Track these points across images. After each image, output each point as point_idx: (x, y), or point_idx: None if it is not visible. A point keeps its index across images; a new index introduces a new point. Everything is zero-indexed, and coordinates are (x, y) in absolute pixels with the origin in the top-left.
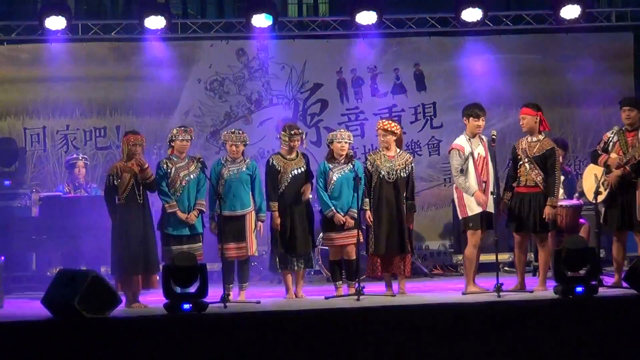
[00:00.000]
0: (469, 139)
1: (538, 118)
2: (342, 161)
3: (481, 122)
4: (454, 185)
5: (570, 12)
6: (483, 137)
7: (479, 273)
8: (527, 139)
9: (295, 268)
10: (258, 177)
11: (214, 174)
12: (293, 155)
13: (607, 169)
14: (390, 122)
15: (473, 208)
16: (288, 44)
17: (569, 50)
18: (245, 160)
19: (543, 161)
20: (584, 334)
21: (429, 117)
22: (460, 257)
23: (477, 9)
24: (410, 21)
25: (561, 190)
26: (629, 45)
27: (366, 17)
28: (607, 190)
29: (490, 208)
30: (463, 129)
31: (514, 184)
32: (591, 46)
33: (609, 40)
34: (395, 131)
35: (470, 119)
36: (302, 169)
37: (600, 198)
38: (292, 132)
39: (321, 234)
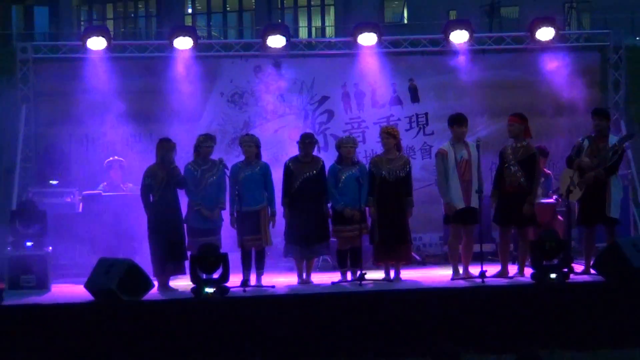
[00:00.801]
0: (453, 144)
1: (523, 126)
2: (350, 163)
3: (464, 129)
4: None
5: (545, 34)
6: (467, 142)
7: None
8: (512, 144)
9: (306, 257)
10: (269, 177)
11: (232, 176)
12: (308, 160)
13: (581, 172)
14: (392, 127)
15: (455, 205)
16: (299, 61)
17: (544, 67)
18: (258, 163)
19: (526, 164)
20: (557, 314)
21: (422, 126)
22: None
23: (463, 31)
24: (406, 42)
25: (540, 190)
26: (596, 62)
27: (367, 39)
28: (582, 190)
29: (474, 204)
30: (451, 136)
31: (500, 184)
32: (563, 64)
33: (579, 58)
34: (396, 135)
35: (455, 126)
36: (315, 172)
37: (576, 197)
38: (307, 141)
39: (330, 227)
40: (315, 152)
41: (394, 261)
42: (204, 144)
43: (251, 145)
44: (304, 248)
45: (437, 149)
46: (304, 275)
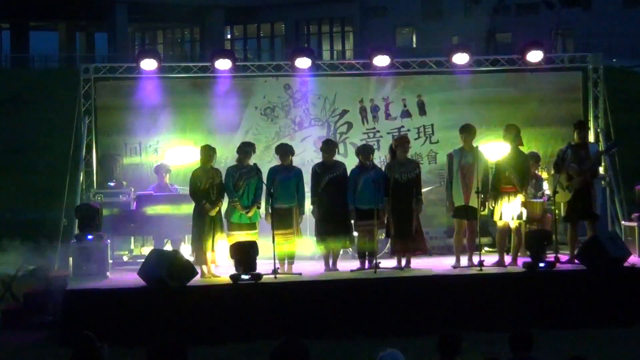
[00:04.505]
0: (461, 150)
1: (516, 136)
2: (368, 167)
3: (468, 137)
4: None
5: (534, 56)
6: (476, 148)
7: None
8: (507, 151)
9: (332, 248)
10: (301, 180)
11: (269, 177)
12: (332, 163)
13: (569, 176)
14: (406, 136)
15: (456, 202)
16: (322, 80)
17: (533, 85)
18: (293, 168)
19: (519, 167)
20: (545, 298)
21: (428, 135)
22: (451, 240)
23: (464, 53)
24: (414, 63)
25: (532, 190)
26: (578, 81)
27: (381, 60)
28: (572, 192)
29: (473, 203)
30: (455, 144)
31: (497, 186)
32: (550, 82)
33: (564, 77)
34: (408, 143)
35: (461, 135)
36: (338, 173)
37: (562, 198)
38: (330, 145)
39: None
40: (335, 157)
41: (409, 252)
42: (244, 148)
43: (287, 153)
44: (331, 240)
45: (442, 156)
46: (330, 264)
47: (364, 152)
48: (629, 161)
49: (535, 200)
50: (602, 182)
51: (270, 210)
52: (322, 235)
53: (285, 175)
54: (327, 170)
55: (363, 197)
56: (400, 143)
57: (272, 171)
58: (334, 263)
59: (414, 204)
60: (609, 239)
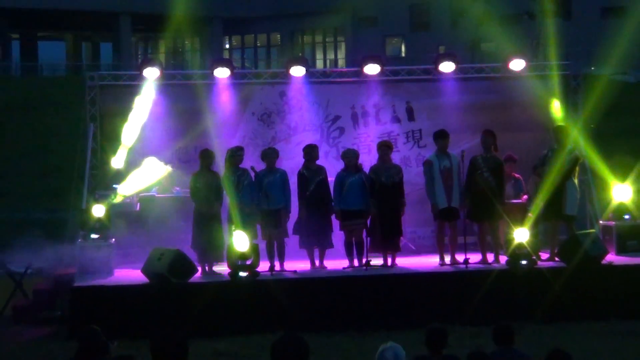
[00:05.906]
0: (438, 155)
1: (493, 141)
2: (353, 170)
3: (446, 142)
4: None
5: (517, 65)
6: (450, 152)
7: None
8: (482, 155)
9: (320, 247)
10: (287, 182)
11: (257, 181)
12: (316, 167)
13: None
14: (389, 141)
15: (438, 205)
16: (316, 87)
17: (516, 92)
18: (279, 170)
19: (496, 171)
20: (526, 294)
21: (416, 140)
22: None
23: (450, 62)
24: (403, 71)
25: (512, 192)
26: (559, 88)
27: (372, 69)
28: (541, 194)
29: (455, 204)
30: (436, 148)
31: (474, 187)
32: (531, 89)
33: (544, 85)
34: (392, 147)
35: (439, 140)
36: (322, 177)
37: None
38: (312, 149)
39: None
40: (329, 161)
41: (389, 251)
42: (237, 152)
43: (273, 157)
44: (318, 240)
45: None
46: (317, 263)
47: (349, 156)
48: (606, 164)
49: (515, 201)
50: (575, 183)
51: (260, 213)
52: (307, 236)
53: (273, 178)
54: (313, 174)
55: (349, 199)
56: (384, 147)
57: (260, 175)
58: (321, 262)
59: (398, 206)
60: (588, 237)
